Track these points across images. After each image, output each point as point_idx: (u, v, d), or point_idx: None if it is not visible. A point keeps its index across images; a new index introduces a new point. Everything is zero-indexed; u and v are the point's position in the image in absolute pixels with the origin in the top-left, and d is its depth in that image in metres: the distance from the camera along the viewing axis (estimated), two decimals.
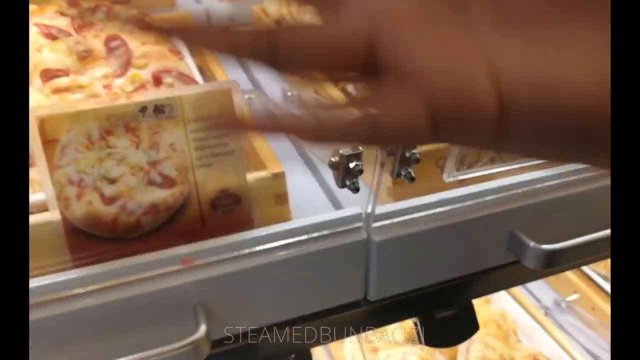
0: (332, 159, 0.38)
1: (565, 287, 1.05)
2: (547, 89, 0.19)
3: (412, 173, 0.38)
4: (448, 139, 0.22)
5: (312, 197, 0.49)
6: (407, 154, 0.38)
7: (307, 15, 0.81)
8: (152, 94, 0.40)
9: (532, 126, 0.20)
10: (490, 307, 0.99)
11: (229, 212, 0.43)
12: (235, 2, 1.04)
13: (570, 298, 1.04)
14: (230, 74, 0.70)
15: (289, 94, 0.70)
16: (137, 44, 0.59)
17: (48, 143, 0.38)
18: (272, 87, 0.75)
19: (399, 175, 0.39)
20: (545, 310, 1.03)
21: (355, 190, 0.38)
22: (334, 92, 0.62)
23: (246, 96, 0.69)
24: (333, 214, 0.42)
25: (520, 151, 0.23)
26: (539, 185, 0.46)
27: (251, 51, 0.23)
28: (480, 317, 0.94)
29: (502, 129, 0.20)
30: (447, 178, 0.41)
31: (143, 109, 0.40)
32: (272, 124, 0.22)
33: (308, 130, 0.22)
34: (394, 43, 0.21)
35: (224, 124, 0.32)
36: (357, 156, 0.37)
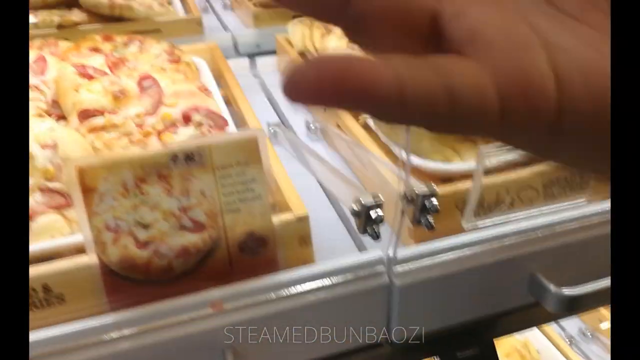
0: (354, 207, 0.40)
1: (591, 315, 1.03)
2: (602, 83, 0.20)
3: (432, 221, 0.40)
4: (512, 127, 0.21)
5: (335, 237, 0.50)
6: (427, 204, 0.39)
7: (331, 43, 0.82)
8: (182, 143, 0.42)
9: (587, 120, 0.20)
10: (514, 336, 0.99)
11: (255, 254, 0.45)
12: (260, 29, 1.07)
13: (596, 327, 1.02)
14: (254, 105, 0.71)
15: (312, 126, 0.72)
16: (168, 83, 0.62)
17: (87, 191, 0.41)
18: (296, 119, 0.77)
19: (419, 222, 0.40)
20: (570, 340, 1.02)
21: (376, 237, 0.40)
22: (355, 127, 0.63)
23: (271, 129, 0.71)
24: (355, 258, 0.44)
25: (575, 155, 0.22)
26: (558, 228, 0.46)
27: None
28: (504, 347, 0.94)
29: (560, 120, 0.20)
30: (466, 225, 0.42)
31: (174, 157, 0.42)
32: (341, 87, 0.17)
33: (388, 94, 0.18)
34: (458, 19, 0.21)
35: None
36: (378, 206, 0.38)
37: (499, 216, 0.44)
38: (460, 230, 0.46)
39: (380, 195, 0.38)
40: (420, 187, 0.38)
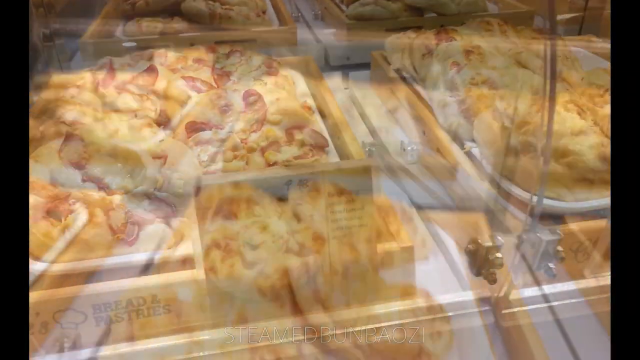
0: (470, 246, 0.38)
1: None
2: None
3: (554, 269, 0.37)
4: None
5: (437, 271, 0.49)
6: (551, 250, 0.37)
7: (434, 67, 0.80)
8: (297, 169, 0.43)
9: None
10: None
11: (358, 282, 0.44)
12: (351, 42, 1.07)
13: None
14: (352, 125, 0.71)
15: (408, 148, 0.71)
16: (272, 99, 0.63)
17: (202, 209, 0.42)
18: (390, 138, 0.76)
19: (538, 269, 0.38)
20: None
21: (493, 282, 0.38)
22: (458, 154, 0.62)
23: (367, 148, 0.70)
24: (460, 295, 0.42)
25: None
26: None
27: None
28: None
29: None
30: (590, 275, 0.40)
31: (289, 182, 0.42)
32: None
33: None
34: None
35: None
36: (498, 248, 0.37)
37: None
38: (574, 273, 0.43)
39: (499, 237, 0.36)
40: (545, 233, 0.36)
